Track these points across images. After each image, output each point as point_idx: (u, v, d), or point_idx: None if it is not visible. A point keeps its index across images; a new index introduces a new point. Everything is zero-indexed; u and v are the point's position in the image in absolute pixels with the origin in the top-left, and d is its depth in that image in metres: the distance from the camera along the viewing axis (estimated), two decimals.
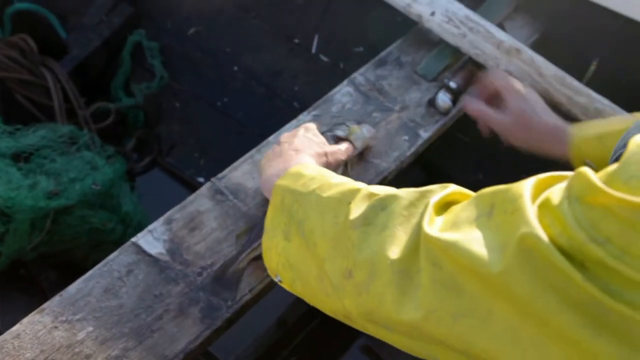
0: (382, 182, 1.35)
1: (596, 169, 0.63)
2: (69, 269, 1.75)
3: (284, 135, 1.17)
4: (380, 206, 0.75)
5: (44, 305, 1.10)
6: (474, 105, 1.34)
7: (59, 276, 1.76)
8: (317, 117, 1.43)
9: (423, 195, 0.72)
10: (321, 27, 2.09)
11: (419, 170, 1.90)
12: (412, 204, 0.72)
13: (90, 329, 1.08)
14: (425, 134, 1.43)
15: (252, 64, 2.20)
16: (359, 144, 1.29)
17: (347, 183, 0.86)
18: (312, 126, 1.19)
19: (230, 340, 1.22)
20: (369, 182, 1.32)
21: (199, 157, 2.16)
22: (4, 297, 1.64)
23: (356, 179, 1.30)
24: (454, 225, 0.64)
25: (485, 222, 0.61)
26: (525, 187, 0.59)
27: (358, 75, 1.53)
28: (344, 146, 1.24)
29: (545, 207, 0.56)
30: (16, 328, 1.07)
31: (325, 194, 0.84)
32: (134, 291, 1.13)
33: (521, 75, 1.44)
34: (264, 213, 1.22)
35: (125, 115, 2.22)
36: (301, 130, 1.16)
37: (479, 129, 1.40)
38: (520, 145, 1.29)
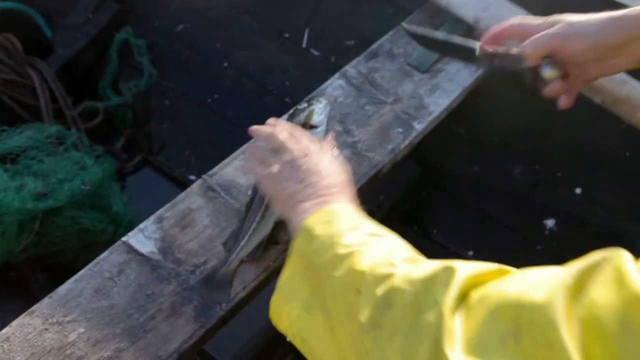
0: (377, 175, 1.33)
1: None
2: (60, 270, 1.71)
3: (292, 149, 1.02)
4: (384, 304, 0.67)
5: (34, 307, 1.08)
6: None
7: (50, 278, 1.74)
8: None
9: (428, 286, 0.65)
10: (311, 21, 2.07)
11: (414, 164, 1.88)
12: (417, 299, 0.65)
13: (82, 330, 1.05)
14: (419, 126, 1.41)
15: (242, 60, 2.18)
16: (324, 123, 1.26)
17: (352, 253, 0.76)
18: (326, 147, 1.07)
19: (225, 339, 1.20)
20: (363, 176, 1.31)
21: (190, 155, 2.14)
22: None
23: (350, 173, 1.30)
24: (477, 349, 0.57)
25: (513, 348, 0.54)
26: (555, 306, 0.51)
27: (350, 68, 1.51)
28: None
29: (592, 331, 0.48)
30: (5, 331, 1.05)
31: (334, 275, 0.76)
32: (126, 291, 1.11)
33: None
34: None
35: (114, 114, 2.19)
36: (316, 150, 1.03)
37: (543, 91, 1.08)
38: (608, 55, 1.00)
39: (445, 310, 0.60)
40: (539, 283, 0.56)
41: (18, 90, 1.95)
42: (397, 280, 0.68)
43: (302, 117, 1.28)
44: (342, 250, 0.78)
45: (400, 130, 1.40)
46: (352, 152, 1.34)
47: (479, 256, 1.79)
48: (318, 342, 0.77)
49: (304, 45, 2.09)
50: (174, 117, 2.22)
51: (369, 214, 1.84)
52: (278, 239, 1.18)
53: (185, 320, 1.08)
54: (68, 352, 1.03)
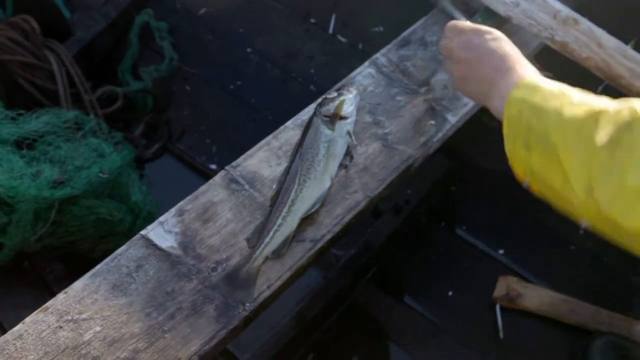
0: (408, 170, 1.27)
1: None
2: (75, 261, 1.68)
3: (464, 30, 1.12)
4: (626, 128, 0.76)
5: (48, 304, 1.03)
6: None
7: (65, 269, 1.69)
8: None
9: None
10: (339, 6, 2.02)
11: (444, 158, 1.81)
12: None
13: (98, 329, 1.01)
14: (453, 119, 1.34)
15: (266, 46, 2.13)
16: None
17: (589, 103, 0.85)
18: (485, 28, 1.12)
19: (246, 336, 1.14)
20: (394, 170, 1.24)
21: (211, 143, 2.08)
22: (7, 291, 1.58)
23: (381, 167, 1.24)
24: None
25: None
26: None
27: (380, 56, 1.44)
28: None
29: None
30: (18, 328, 1.00)
31: (568, 113, 0.85)
32: (144, 288, 1.06)
33: (579, 46, 1.36)
34: None
35: (134, 99, 2.14)
36: (484, 34, 1.11)
37: None
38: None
39: None
40: None
41: (36, 73, 1.90)
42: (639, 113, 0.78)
43: (331, 106, 1.22)
44: (576, 100, 0.87)
45: (432, 122, 1.33)
46: (382, 145, 1.28)
47: (510, 255, 1.74)
48: (544, 172, 0.87)
49: (330, 31, 2.04)
50: (195, 103, 2.17)
51: (396, 209, 1.78)
52: (304, 235, 1.13)
53: (206, 321, 1.03)
54: (83, 352, 0.98)
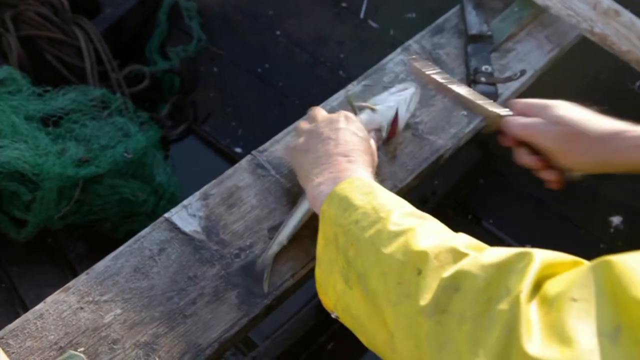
0: (438, 161, 1.24)
1: None
2: (98, 240, 1.68)
3: (320, 116, 1.04)
4: (452, 287, 0.63)
5: (70, 284, 1.02)
6: (518, 120, 1.11)
7: (87, 248, 1.69)
8: (368, 87, 1.31)
9: (501, 272, 0.59)
10: None
11: (473, 149, 1.78)
12: (490, 284, 0.59)
13: (119, 311, 0.99)
14: None
15: (296, 29, 2.10)
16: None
17: (408, 235, 0.71)
18: (353, 117, 1.03)
19: (265, 323, 1.13)
20: (424, 160, 1.22)
21: (237, 127, 2.07)
22: (29, 268, 1.58)
23: (410, 157, 1.22)
24: (562, 338, 0.51)
25: (609, 348, 0.48)
26: None
27: (413, 43, 1.40)
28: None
29: None
30: (39, 307, 0.99)
31: (384, 249, 0.71)
32: (166, 272, 1.04)
33: (619, 39, 1.33)
34: None
35: (160, 79, 2.14)
36: (342, 120, 1.00)
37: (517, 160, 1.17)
38: (582, 168, 1.06)
39: (521, 299, 0.55)
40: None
41: (63, 49, 1.89)
42: (466, 265, 0.63)
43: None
44: (393, 227, 0.73)
45: (464, 113, 1.30)
46: (412, 135, 1.25)
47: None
48: (366, 319, 0.73)
49: (361, 15, 2.00)
50: (222, 85, 2.15)
51: (423, 200, 1.76)
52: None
53: (228, 308, 1.01)
54: (103, 334, 0.97)
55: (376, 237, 0.73)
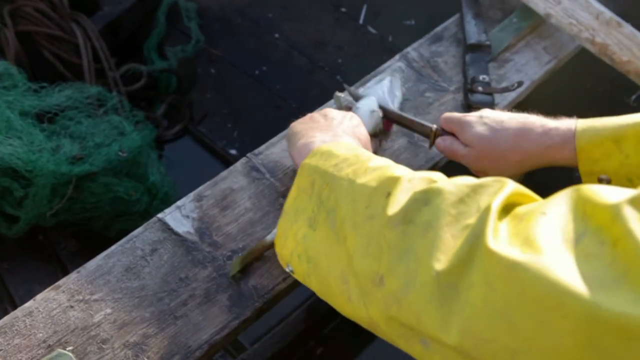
0: (433, 168, 1.24)
1: (611, 182, 0.51)
2: (90, 238, 1.67)
3: (330, 109, 1.06)
4: (422, 200, 0.63)
5: (60, 282, 1.01)
6: (442, 143, 1.12)
7: (79, 246, 1.68)
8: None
9: (475, 191, 0.60)
10: None
11: None
12: (462, 200, 0.60)
13: (109, 311, 0.99)
14: None
15: (295, 33, 2.10)
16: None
17: (385, 168, 0.73)
18: (359, 119, 1.05)
19: (255, 325, 1.12)
20: (418, 169, 1.21)
21: (233, 128, 2.06)
22: (20, 265, 1.57)
23: (405, 164, 1.19)
24: (527, 241, 0.52)
25: (571, 250, 0.49)
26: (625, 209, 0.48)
27: (411, 50, 1.41)
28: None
29: None
30: (29, 305, 0.99)
31: (359, 180, 0.73)
32: (158, 272, 1.04)
33: (620, 49, 1.33)
34: None
35: (157, 79, 2.13)
36: (348, 115, 1.03)
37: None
38: (506, 173, 1.02)
39: (491, 212, 0.56)
40: None
41: (61, 46, 1.88)
42: (440, 183, 0.64)
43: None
44: (371, 164, 0.75)
45: None
46: (408, 142, 1.25)
47: None
48: (323, 256, 0.75)
49: (360, 21, 2.00)
50: (219, 86, 2.15)
51: None
52: None
53: (218, 310, 1.01)
54: (92, 333, 0.96)
55: (353, 173, 0.75)
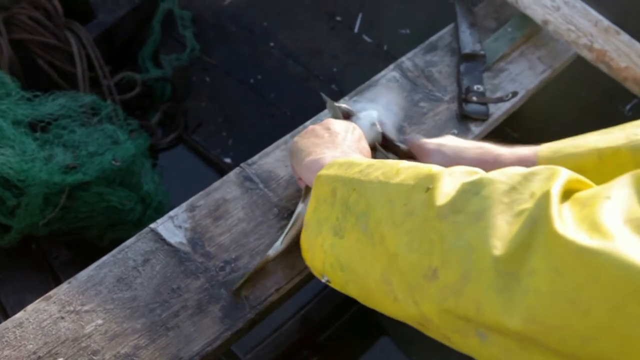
0: None
1: None
2: (83, 248, 1.67)
3: (332, 121, 1.05)
4: (472, 191, 0.61)
5: (51, 293, 1.01)
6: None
7: (71, 255, 1.67)
8: (359, 102, 1.31)
9: (527, 179, 0.59)
10: (366, 6, 1.99)
11: None
12: (514, 188, 0.58)
13: (100, 322, 0.98)
14: (476, 129, 1.31)
15: (290, 41, 2.10)
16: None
17: (419, 166, 0.72)
18: (360, 132, 1.04)
19: (248, 336, 1.12)
20: None
21: (227, 137, 2.06)
22: (11, 274, 1.56)
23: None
24: (595, 226, 0.50)
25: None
26: None
27: (406, 60, 1.40)
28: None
29: None
30: (19, 316, 0.98)
31: (393, 180, 0.71)
32: (150, 283, 1.03)
33: (618, 55, 1.33)
34: (296, 205, 1.13)
35: (152, 87, 2.12)
36: (350, 128, 1.02)
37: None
38: None
39: (552, 197, 0.54)
40: None
41: (55, 54, 1.88)
42: (489, 173, 0.62)
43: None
44: (402, 166, 0.73)
45: (455, 131, 1.30)
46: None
47: None
48: (359, 262, 0.73)
49: (356, 30, 2.00)
50: (214, 95, 2.15)
51: None
52: None
53: (210, 321, 1.00)
54: (83, 344, 0.96)
55: (383, 175, 0.73)
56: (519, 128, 1.72)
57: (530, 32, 1.46)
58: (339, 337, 1.62)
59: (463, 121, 1.31)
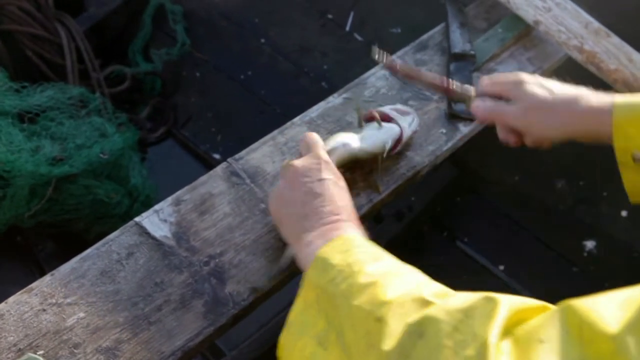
0: (415, 177, 1.23)
1: None
2: (69, 240, 1.66)
3: (302, 167, 0.96)
4: (416, 333, 0.61)
5: (33, 285, 1.00)
6: (482, 105, 1.13)
7: (57, 248, 1.67)
8: (348, 100, 1.31)
9: (467, 316, 0.59)
10: (358, 4, 1.98)
11: (451, 166, 1.78)
12: (456, 329, 0.58)
13: (82, 315, 0.97)
14: (465, 129, 1.31)
15: (281, 38, 2.09)
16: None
17: (377, 285, 0.70)
18: (330, 162, 0.98)
19: (234, 331, 1.11)
20: (401, 176, 1.21)
21: (216, 132, 2.05)
22: None
23: (386, 172, 1.21)
24: None
25: None
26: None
27: (395, 58, 1.41)
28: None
29: None
30: (0, 307, 0.97)
31: (354, 301, 0.70)
32: (133, 277, 1.02)
33: (608, 57, 1.34)
34: None
35: (142, 81, 2.11)
36: (323, 169, 0.96)
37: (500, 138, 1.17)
38: (547, 137, 1.08)
39: (489, 343, 0.54)
40: None
41: (44, 46, 1.87)
42: (432, 311, 0.62)
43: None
44: (363, 279, 0.72)
45: (443, 131, 1.30)
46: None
47: (511, 272, 1.70)
48: None
49: (347, 28, 2.00)
50: (204, 90, 2.14)
51: (398, 215, 1.75)
52: None
53: (193, 316, 1.00)
54: (64, 337, 0.95)
55: (347, 290, 0.72)
56: None
57: (521, 33, 1.47)
58: None
59: (452, 120, 1.31)
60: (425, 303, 0.64)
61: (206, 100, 2.12)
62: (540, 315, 0.56)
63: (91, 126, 1.60)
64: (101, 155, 1.54)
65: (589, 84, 1.40)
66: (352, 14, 1.99)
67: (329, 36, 2.04)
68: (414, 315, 0.63)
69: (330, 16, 2.03)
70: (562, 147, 1.72)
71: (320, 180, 0.94)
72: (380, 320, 0.65)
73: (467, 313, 0.59)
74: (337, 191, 0.94)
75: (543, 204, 1.72)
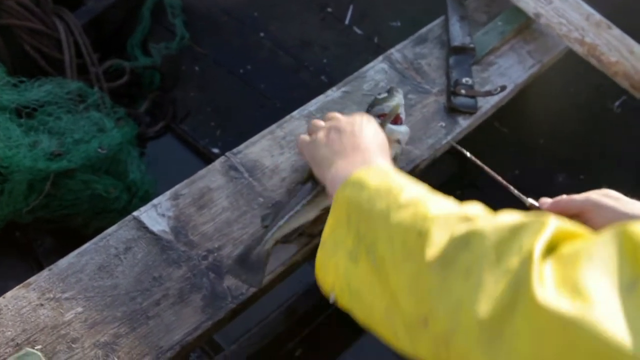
0: (414, 171, 1.23)
1: None
2: (67, 236, 1.65)
3: (340, 117, 1.01)
4: (461, 244, 0.62)
5: (31, 280, 1.00)
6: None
7: (56, 243, 1.66)
8: (347, 93, 1.31)
9: (515, 232, 0.59)
10: None
11: (451, 160, 1.77)
12: (502, 243, 0.58)
13: (80, 309, 0.98)
14: (464, 122, 1.30)
15: (280, 32, 2.08)
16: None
17: (418, 203, 0.71)
18: (372, 119, 1.02)
19: (233, 326, 1.11)
20: (400, 170, 1.20)
21: (216, 127, 2.04)
22: None
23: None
24: (576, 289, 0.50)
25: (624, 299, 0.48)
26: None
27: (395, 52, 1.40)
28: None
29: None
30: None
31: (393, 217, 0.71)
32: (131, 271, 1.02)
33: (609, 49, 1.34)
34: (281, 194, 1.12)
35: (140, 75, 2.10)
36: (365, 120, 0.99)
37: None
38: None
39: (534, 254, 0.54)
40: None
41: (43, 41, 1.86)
42: (478, 224, 0.63)
43: (385, 107, 1.16)
44: (403, 198, 0.73)
45: (443, 124, 1.29)
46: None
47: None
48: (367, 292, 0.73)
49: (346, 22, 1.99)
50: (203, 84, 2.13)
51: None
52: (314, 230, 1.08)
53: (192, 310, 1.00)
54: (62, 332, 0.95)
55: (386, 208, 0.73)
56: (508, 123, 1.72)
57: (521, 26, 1.46)
58: (324, 330, 1.62)
59: (451, 114, 1.31)
60: (472, 219, 0.65)
61: (205, 95, 2.11)
62: (592, 235, 0.56)
63: (89, 121, 1.59)
64: (99, 150, 1.53)
65: (589, 78, 1.41)
66: (351, 7, 1.99)
67: (329, 30, 2.03)
68: (460, 229, 0.64)
69: (329, 10, 2.03)
70: (563, 141, 1.73)
71: (362, 127, 0.97)
72: (422, 234, 0.66)
73: (514, 229, 0.59)
74: (377, 137, 0.97)
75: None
